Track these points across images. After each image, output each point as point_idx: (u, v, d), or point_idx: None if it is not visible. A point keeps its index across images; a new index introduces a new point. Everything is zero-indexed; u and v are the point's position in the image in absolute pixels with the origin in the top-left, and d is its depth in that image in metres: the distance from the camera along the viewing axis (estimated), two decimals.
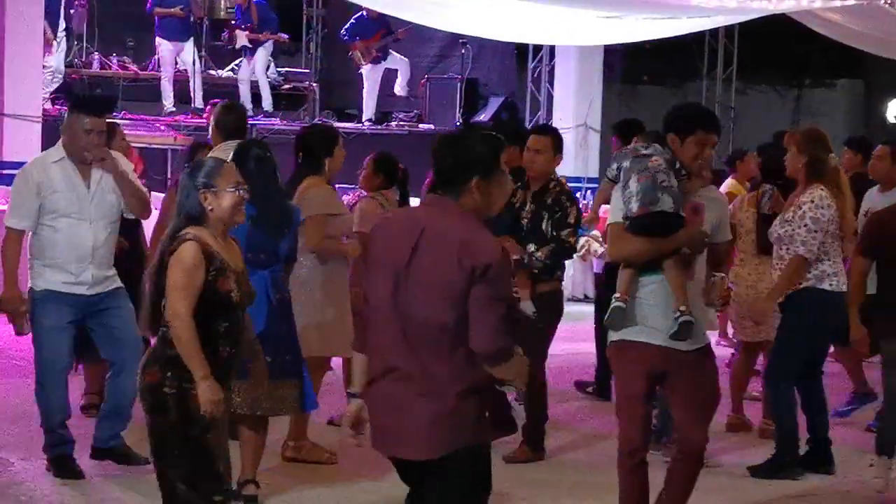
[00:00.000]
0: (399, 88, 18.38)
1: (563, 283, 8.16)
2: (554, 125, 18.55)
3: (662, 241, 5.61)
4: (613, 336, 5.83)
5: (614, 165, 5.91)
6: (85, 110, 6.95)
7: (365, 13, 17.43)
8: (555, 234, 7.73)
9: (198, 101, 16.64)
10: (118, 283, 7.08)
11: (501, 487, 7.24)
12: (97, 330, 7.08)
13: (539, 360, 7.78)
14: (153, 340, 5.25)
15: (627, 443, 5.83)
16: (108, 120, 7.39)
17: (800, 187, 7.62)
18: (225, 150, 7.60)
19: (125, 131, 14.61)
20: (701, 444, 5.88)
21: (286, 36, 18.09)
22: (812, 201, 7.45)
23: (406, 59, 18.27)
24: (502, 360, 4.31)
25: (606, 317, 5.79)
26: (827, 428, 7.86)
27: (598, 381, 9.91)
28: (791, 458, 7.66)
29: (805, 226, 7.43)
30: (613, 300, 5.75)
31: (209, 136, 8.30)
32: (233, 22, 17.57)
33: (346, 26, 17.94)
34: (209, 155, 7.70)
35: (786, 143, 7.87)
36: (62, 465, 6.99)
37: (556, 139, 8.01)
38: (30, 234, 6.95)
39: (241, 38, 17.25)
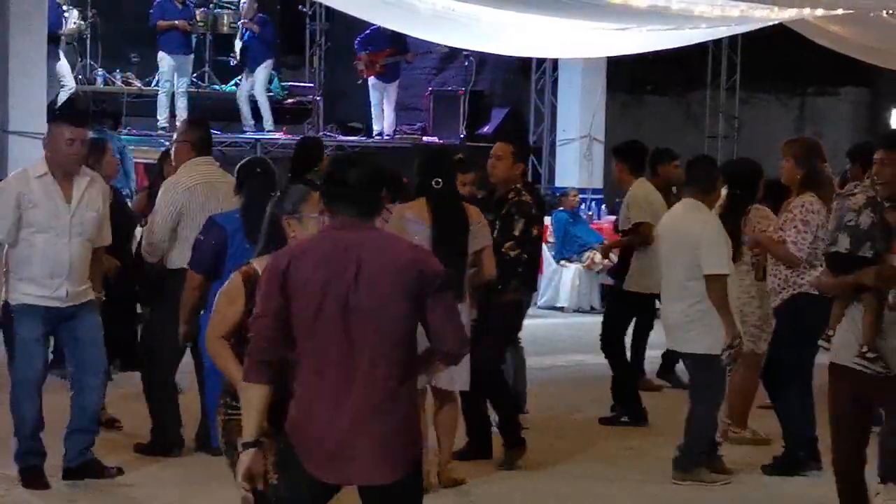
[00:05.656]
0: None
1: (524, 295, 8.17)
2: (557, 136, 18.88)
3: (844, 277, 5.83)
4: (830, 358, 6.00)
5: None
6: (66, 120, 6.95)
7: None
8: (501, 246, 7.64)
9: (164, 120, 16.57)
10: (91, 295, 7.05)
11: (511, 500, 7.27)
12: (66, 342, 7.12)
13: (496, 362, 7.89)
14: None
15: (840, 464, 5.93)
16: (97, 136, 7.37)
17: (793, 196, 7.82)
18: (194, 166, 7.58)
19: (129, 147, 14.77)
20: None
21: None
22: (802, 206, 7.68)
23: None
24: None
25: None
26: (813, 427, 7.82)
27: (615, 398, 9.28)
28: (803, 454, 7.69)
29: (795, 227, 7.65)
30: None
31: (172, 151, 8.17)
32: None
33: (361, 35, 17.79)
34: (180, 170, 7.65)
35: (783, 154, 7.91)
36: (31, 476, 6.95)
37: (517, 147, 8.01)
38: (6, 247, 6.89)
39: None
